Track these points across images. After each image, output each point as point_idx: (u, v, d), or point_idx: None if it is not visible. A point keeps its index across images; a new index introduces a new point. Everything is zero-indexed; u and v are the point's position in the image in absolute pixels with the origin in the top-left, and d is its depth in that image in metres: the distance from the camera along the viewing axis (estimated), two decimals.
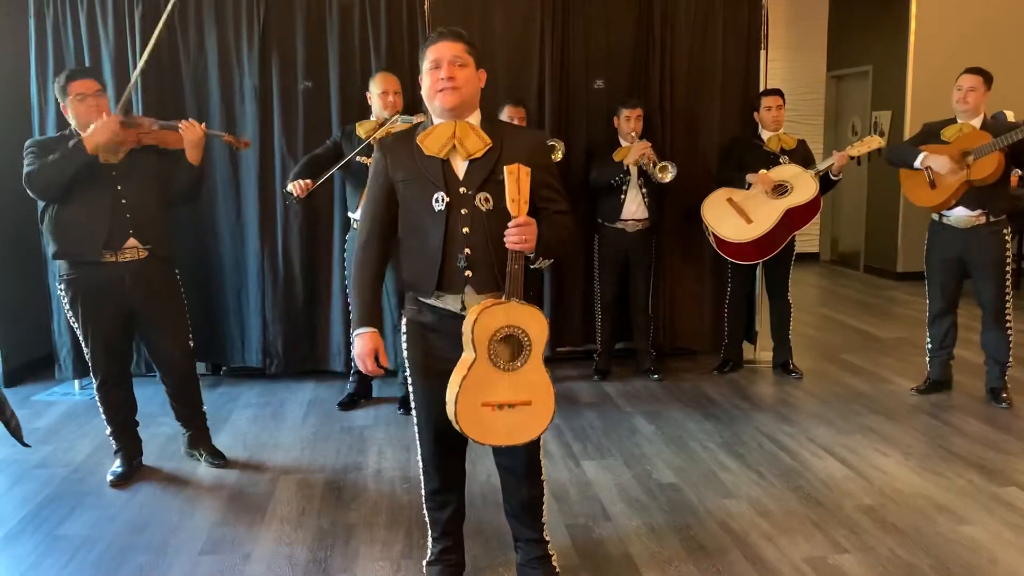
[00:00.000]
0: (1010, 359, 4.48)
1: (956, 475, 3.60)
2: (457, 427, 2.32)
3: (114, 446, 3.70)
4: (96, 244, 3.43)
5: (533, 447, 2.58)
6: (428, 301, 2.47)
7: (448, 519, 2.70)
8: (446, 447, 2.60)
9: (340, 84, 4.87)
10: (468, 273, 2.40)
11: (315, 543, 3.07)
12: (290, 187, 4.09)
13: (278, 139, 4.88)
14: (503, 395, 2.31)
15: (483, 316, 2.28)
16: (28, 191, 3.38)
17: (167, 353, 3.69)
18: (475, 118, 2.46)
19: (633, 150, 4.65)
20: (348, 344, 4.81)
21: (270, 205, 4.93)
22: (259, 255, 4.95)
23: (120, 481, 3.61)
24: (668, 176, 4.65)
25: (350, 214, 4.41)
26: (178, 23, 4.81)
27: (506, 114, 4.49)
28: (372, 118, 4.39)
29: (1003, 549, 2.96)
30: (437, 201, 2.39)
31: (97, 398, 3.65)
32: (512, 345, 2.33)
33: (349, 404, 4.60)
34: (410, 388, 2.60)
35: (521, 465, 2.61)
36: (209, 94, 4.87)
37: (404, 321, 2.57)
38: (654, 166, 4.66)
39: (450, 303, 2.44)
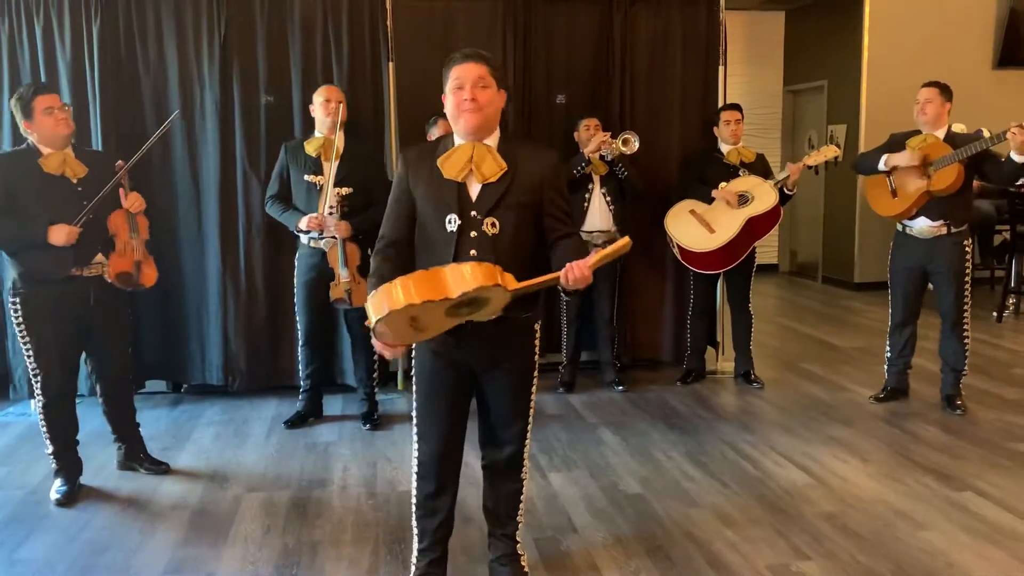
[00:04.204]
0: (966, 367, 4.59)
1: (914, 481, 3.68)
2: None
3: (55, 466, 3.63)
4: (66, 262, 3.42)
5: (521, 443, 2.70)
6: None
7: (438, 527, 2.72)
8: (449, 446, 2.65)
9: (303, 98, 4.83)
10: None
11: (280, 561, 3.04)
12: (303, 223, 4.24)
13: (240, 153, 4.85)
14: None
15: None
16: None
17: (114, 366, 3.71)
18: (493, 139, 2.52)
19: (592, 141, 4.69)
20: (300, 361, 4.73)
21: (231, 220, 4.88)
22: (220, 271, 4.89)
23: (67, 500, 3.54)
24: (633, 145, 4.68)
25: (299, 233, 4.38)
26: (137, 36, 4.76)
27: (440, 127, 4.52)
28: (316, 133, 4.40)
29: (959, 552, 3.03)
30: (450, 222, 2.46)
31: (42, 417, 3.57)
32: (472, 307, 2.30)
33: (297, 422, 4.54)
34: (414, 391, 2.65)
35: (505, 459, 2.71)
36: (169, 108, 4.81)
37: None
38: (616, 147, 4.67)
39: None
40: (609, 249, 2.39)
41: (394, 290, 2.20)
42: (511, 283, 2.28)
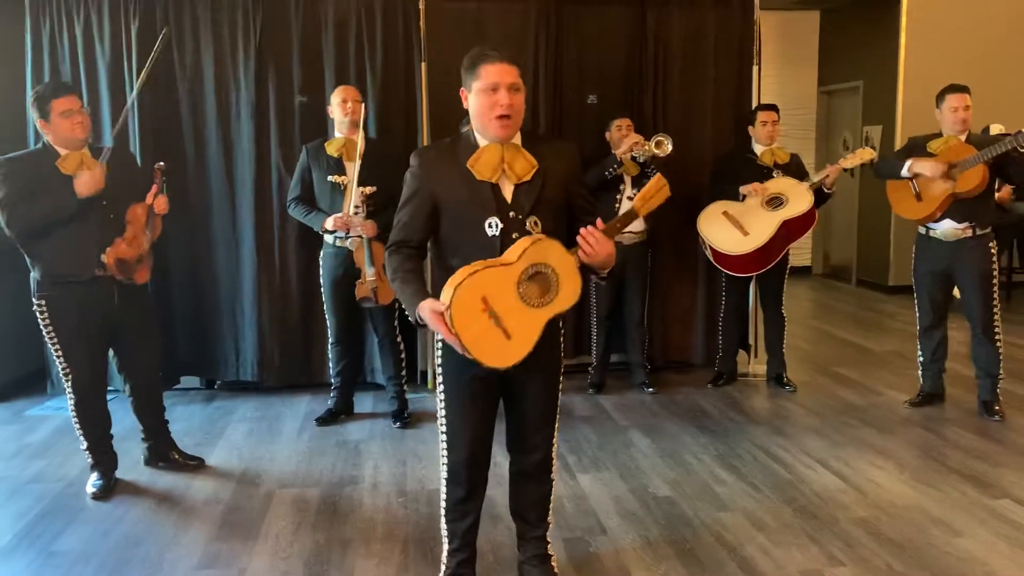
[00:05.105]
0: (1001, 371, 4.50)
1: (950, 487, 3.62)
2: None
3: (90, 460, 3.69)
4: (90, 263, 3.44)
5: (550, 445, 2.70)
6: None
7: (467, 530, 2.72)
8: (478, 451, 2.63)
9: None
10: None
11: (311, 558, 3.06)
12: (329, 223, 4.25)
13: (275, 154, 4.90)
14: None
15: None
16: (1, 225, 3.35)
17: (142, 364, 3.75)
18: (517, 137, 2.49)
19: (625, 143, 4.66)
20: (330, 358, 4.75)
21: (266, 219, 4.94)
22: (255, 269, 4.95)
23: (103, 494, 3.60)
24: (666, 147, 4.62)
25: (324, 233, 4.38)
26: (175, 41, 4.83)
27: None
28: (336, 133, 4.41)
29: (997, 560, 2.98)
30: (490, 227, 2.40)
31: (75, 414, 3.63)
32: (540, 283, 2.37)
33: (329, 420, 4.57)
34: (441, 397, 2.62)
35: (535, 463, 2.70)
36: (205, 112, 4.89)
37: None
38: (649, 149, 4.63)
39: None
40: (646, 189, 2.43)
41: (455, 274, 2.31)
42: (559, 244, 2.37)
